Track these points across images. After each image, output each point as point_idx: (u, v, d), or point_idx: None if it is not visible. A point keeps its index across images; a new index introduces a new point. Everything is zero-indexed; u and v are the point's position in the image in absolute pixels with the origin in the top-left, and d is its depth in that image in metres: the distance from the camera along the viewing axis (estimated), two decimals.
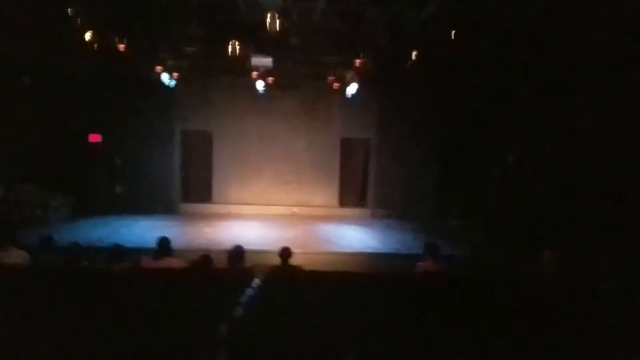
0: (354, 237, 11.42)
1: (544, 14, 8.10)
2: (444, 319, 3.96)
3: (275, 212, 14.56)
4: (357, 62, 10.64)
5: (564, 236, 8.55)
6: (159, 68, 11.95)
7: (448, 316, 3.98)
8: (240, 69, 11.64)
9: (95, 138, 14.28)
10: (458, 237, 11.44)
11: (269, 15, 7.88)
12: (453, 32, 8.74)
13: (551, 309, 4.04)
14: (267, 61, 10.77)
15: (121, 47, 9.52)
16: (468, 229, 12.35)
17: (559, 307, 4.09)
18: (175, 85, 12.78)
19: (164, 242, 5.91)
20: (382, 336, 3.80)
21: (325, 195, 15.28)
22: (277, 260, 6.09)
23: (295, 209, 14.81)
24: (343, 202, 15.44)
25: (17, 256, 5.68)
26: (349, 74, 12.17)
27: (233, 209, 14.64)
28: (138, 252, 6.46)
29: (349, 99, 13.34)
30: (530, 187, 11.13)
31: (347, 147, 15.44)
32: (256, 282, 5.12)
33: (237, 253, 5.88)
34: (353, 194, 15.62)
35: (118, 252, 5.81)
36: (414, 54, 9.98)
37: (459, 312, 4.03)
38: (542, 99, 10.63)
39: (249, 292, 4.52)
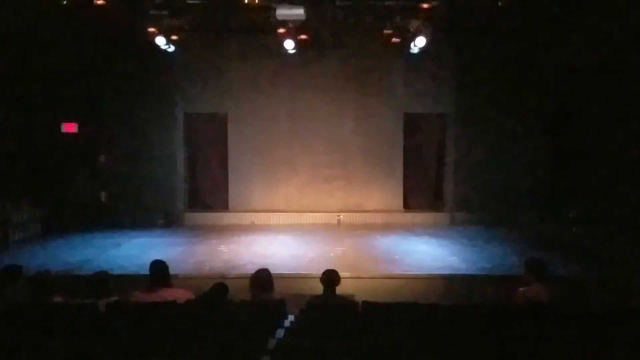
0: (425, 253, 11.29)
1: None
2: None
3: (314, 222, 14.62)
4: (425, 5, 10.48)
5: None
6: (152, 29, 12.15)
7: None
8: (262, 25, 11.68)
9: (70, 128, 14.59)
10: (578, 250, 11.18)
11: None
12: None
13: None
14: (298, 12, 10.78)
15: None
16: (593, 238, 11.97)
17: None
18: (175, 51, 12.98)
19: (159, 268, 5.98)
20: None
21: (384, 196, 15.25)
22: (318, 289, 6.07)
23: (342, 217, 14.82)
24: (409, 205, 15.38)
25: None
26: (414, 24, 12.03)
27: (257, 218, 14.81)
28: (130, 281, 6.58)
29: (414, 58, 13.20)
30: None
31: (413, 128, 15.36)
32: (290, 319, 5.12)
33: (263, 279, 5.88)
34: (423, 193, 15.54)
35: (103, 282, 5.88)
36: None
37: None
38: None
39: (280, 333, 4.52)
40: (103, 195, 14.65)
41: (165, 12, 11.84)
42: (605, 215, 12.55)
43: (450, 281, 9.31)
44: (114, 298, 5.64)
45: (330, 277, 6.07)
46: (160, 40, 12.35)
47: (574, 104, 13.47)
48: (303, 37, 12.66)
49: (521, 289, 5.93)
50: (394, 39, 12.92)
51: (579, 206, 13.31)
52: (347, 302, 5.73)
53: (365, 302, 5.29)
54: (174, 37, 12.63)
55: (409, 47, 12.74)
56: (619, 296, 7.47)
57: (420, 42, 12.36)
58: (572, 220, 13.15)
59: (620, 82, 12.26)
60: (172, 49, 12.76)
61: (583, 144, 13.42)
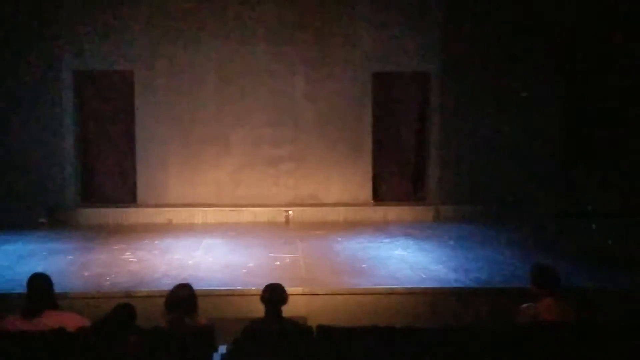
0: (402, 260, 11.40)
1: None
2: None
3: (253, 220, 14.64)
4: None
5: None
6: None
7: None
8: None
9: None
10: (599, 254, 11.35)
11: None
12: None
13: None
14: None
15: None
16: (615, 239, 12.26)
17: None
18: None
19: (40, 285, 5.91)
20: None
21: (347, 184, 15.34)
22: (259, 310, 6.08)
23: (291, 212, 14.85)
24: (381, 196, 15.53)
25: None
26: None
27: (175, 215, 14.75)
28: (2, 302, 6.50)
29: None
30: None
31: (385, 91, 15.45)
32: (221, 351, 5.13)
33: (184, 298, 5.87)
34: (399, 180, 15.67)
35: None
36: None
37: None
38: None
39: None
40: None
41: None
42: (631, 211, 12.87)
43: (434, 297, 9.42)
44: None
45: (275, 294, 6.09)
46: None
47: (600, 62, 13.68)
48: None
49: (525, 305, 6.06)
50: None
51: (601, 198, 13.58)
52: (297, 328, 5.76)
53: (320, 327, 5.31)
54: None
55: None
56: None
57: None
58: (591, 215, 13.43)
59: None
60: None
61: (609, 122, 13.68)
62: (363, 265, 11.00)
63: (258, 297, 6.13)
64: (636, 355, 4.69)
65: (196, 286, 6.08)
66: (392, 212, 15.08)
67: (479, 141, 14.72)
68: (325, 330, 5.22)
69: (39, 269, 6.22)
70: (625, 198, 13.31)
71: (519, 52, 14.47)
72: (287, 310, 6.09)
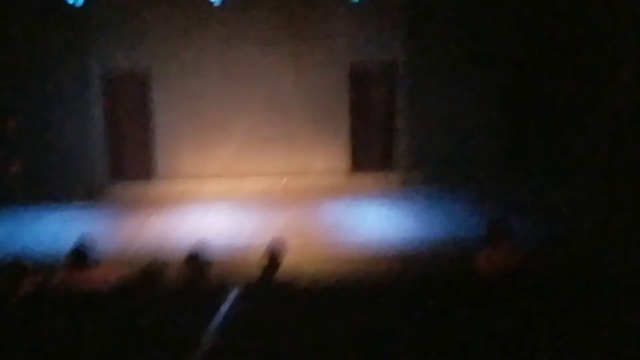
0: (376, 218, 11.48)
1: None
2: (524, 340, 3.96)
3: (254, 188, 14.62)
4: None
5: None
6: None
7: (530, 336, 3.98)
8: None
9: None
10: (543, 207, 11.48)
11: None
12: None
13: None
14: None
15: None
16: (559, 194, 12.27)
17: None
18: (83, 5, 12.74)
19: (83, 245, 6.01)
20: None
21: (329, 155, 15.33)
22: (261, 262, 6.17)
23: (284, 180, 14.90)
24: (357, 166, 15.51)
25: None
26: None
27: (189, 186, 14.74)
28: (50, 262, 6.54)
29: None
30: None
31: (360, 78, 15.39)
32: (232, 295, 5.22)
33: (201, 253, 5.97)
34: (372, 151, 15.68)
35: (19, 264, 5.88)
36: None
37: (548, 329, 4.04)
38: None
39: (222, 312, 4.59)
40: (13, 167, 14.34)
41: None
42: (570, 172, 12.91)
43: (403, 249, 9.50)
44: (32, 280, 5.64)
45: (275, 248, 6.16)
46: None
47: (540, 51, 13.70)
48: None
49: (482, 251, 6.08)
50: None
51: (544, 160, 13.58)
52: (293, 276, 5.84)
53: (313, 275, 5.38)
54: None
55: None
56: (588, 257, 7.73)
57: None
58: (534, 174, 13.43)
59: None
60: (79, 2, 12.52)
61: (547, 96, 13.70)
62: (344, 225, 11.10)
63: (260, 251, 6.20)
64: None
65: (210, 243, 6.15)
66: (367, 178, 15.10)
67: (439, 118, 14.61)
68: (317, 278, 5.29)
69: (81, 232, 6.23)
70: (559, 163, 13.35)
71: (473, 43, 14.45)
72: (284, 262, 6.18)
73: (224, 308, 4.58)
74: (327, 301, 4.55)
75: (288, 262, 6.26)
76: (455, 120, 14.63)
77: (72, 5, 12.42)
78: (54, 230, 10.91)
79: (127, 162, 15.40)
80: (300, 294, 4.99)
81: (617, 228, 9.47)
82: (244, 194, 14.13)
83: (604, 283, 4.86)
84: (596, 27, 12.15)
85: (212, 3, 12.74)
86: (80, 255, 5.99)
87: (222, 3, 12.86)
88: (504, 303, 4.38)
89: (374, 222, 11.26)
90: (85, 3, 12.66)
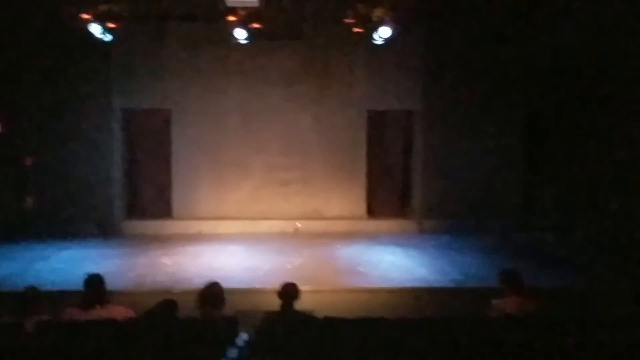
0: (392, 264, 11.40)
1: None
2: None
3: (269, 230, 14.57)
4: None
5: None
6: (86, 16, 11.98)
7: None
8: (211, 11, 11.64)
9: None
10: (557, 259, 11.41)
11: None
12: None
13: None
14: None
15: None
16: (571, 247, 12.24)
17: None
18: (113, 40, 12.84)
19: (95, 283, 5.96)
20: None
21: (346, 201, 15.32)
22: (275, 304, 6.10)
23: (299, 224, 14.84)
24: (374, 212, 15.49)
25: None
26: (378, 11, 12.15)
27: (204, 226, 14.72)
28: (62, 297, 6.50)
29: (378, 50, 13.32)
30: None
31: (378, 126, 15.47)
32: (243, 337, 5.14)
33: (214, 294, 5.90)
34: (389, 198, 15.69)
35: (32, 298, 5.83)
36: None
37: None
38: None
39: (234, 353, 4.53)
40: (28, 201, 14.38)
41: None
42: (583, 223, 12.81)
43: (418, 294, 9.41)
44: (45, 316, 5.60)
45: (289, 291, 6.11)
46: (95, 29, 12.20)
47: (553, 104, 13.70)
48: (256, 25, 12.64)
49: (495, 301, 6.06)
50: (356, 29, 12.93)
51: (559, 212, 13.54)
52: (308, 318, 5.77)
53: (327, 318, 5.33)
54: (111, 25, 12.42)
55: (373, 38, 12.86)
56: (597, 306, 7.64)
57: (384, 33, 12.49)
58: (549, 226, 13.38)
59: (602, 82, 12.55)
60: (108, 38, 12.59)
61: (567, 147, 13.66)
62: (359, 268, 11.03)
63: (274, 293, 6.15)
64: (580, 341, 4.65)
65: (224, 284, 6.09)
66: (383, 225, 15.04)
67: (455, 168, 14.65)
68: (330, 321, 5.24)
69: (93, 270, 6.19)
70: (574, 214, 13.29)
71: (488, 97, 14.52)
72: (298, 304, 6.11)
73: (234, 351, 4.54)
74: (340, 343, 4.53)
75: (302, 304, 6.19)
76: (471, 169, 14.62)
77: (101, 40, 12.45)
78: (64, 268, 10.86)
79: (143, 200, 15.46)
80: (313, 335, 4.94)
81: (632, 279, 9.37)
82: (258, 236, 14.05)
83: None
84: (616, 80, 12.11)
85: (237, 44, 12.72)
86: (91, 292, 5.94)
87: (248, 45, 12.88)
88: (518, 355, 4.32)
89: (390, 267, 11.16)
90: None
